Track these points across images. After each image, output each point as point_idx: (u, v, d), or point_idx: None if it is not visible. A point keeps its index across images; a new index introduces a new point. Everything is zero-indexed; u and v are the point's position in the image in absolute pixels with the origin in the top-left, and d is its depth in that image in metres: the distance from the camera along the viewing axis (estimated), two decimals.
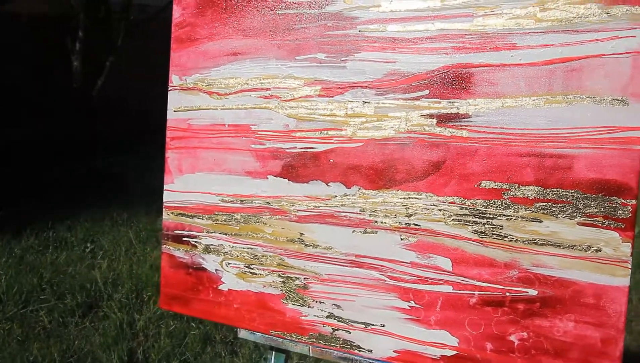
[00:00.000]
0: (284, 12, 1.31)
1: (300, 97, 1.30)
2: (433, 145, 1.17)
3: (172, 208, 1.48)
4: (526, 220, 1.10)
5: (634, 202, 1.02)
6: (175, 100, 1.47)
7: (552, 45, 1.07)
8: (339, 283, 1.28)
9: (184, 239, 1.47)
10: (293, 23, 1.30)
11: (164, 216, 1.49)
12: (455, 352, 1.17)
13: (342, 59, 1.25)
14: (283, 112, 1.32)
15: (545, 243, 1.09)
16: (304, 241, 1.31)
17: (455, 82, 1.15)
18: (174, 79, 1.47)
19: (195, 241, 1.45)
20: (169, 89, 1.47)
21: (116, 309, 3.01)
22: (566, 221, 1.07)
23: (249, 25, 1.36)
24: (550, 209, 1.08)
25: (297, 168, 1.31)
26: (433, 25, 1.16)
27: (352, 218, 1.25)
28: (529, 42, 1.08)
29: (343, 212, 1.26)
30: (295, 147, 1.31)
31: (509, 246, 1.11)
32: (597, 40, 1.03)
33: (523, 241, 1.10)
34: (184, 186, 1.46)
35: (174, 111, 1.47)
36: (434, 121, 1.16)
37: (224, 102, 1.39)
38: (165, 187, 1.49)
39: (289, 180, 1.32)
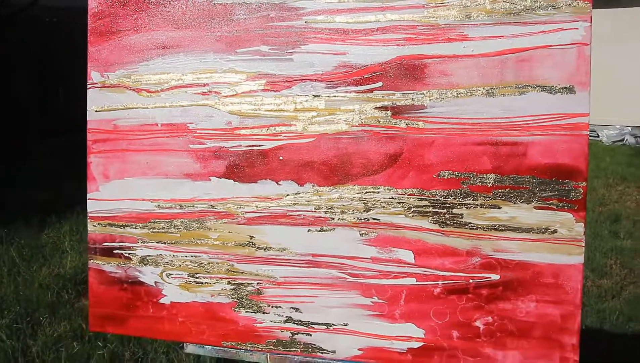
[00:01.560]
0: (221, 2, 1.21)
1: (243, 93, 1.21)
2: (389, 137, 1.14)
3: (99, 219, 1.32)
4: (485, 207, 1.11)
5: (584, 184, 1.07)
6: (96, 99, 1.30)
7: (503, 36, 1.08)
8: (296, 285, 1.21)
9: (115, 251, 1.31)
10: (231, 14, 1.21)
11: (89, 228, 1.32)
12: (422, 343, 1.15)
13: (288, 51, 1.18)
14: (224, 109, 1.22)
15: (505, 228, 1.11)
16: (254, 244, 1.23)
17: (409, 73, 1.13)
18: (93, 76, 1.30)
19: (129, 253, 1.30)
20: (88, 86, 1.31)
21: (4, 336, 2.67)
22: (524, 206, 1.09)
23: (181, 16, 1.24)
24: (508, 195, 1.10)
25: (243, 168, 1.22)
26: (384, 16, 1.13)
27: (307, 217, 1.19)
28: (480, 34, 1.09)
29: (297, 211, 1.20)
30: (240, 145, 1.22)
31: (470, 234, 1.12)
32: (544, 32, 1.06)
33: (483, 228, 1.11)
34: (112, 193, 1.30)
35: (96, 111, 1.30)
36: (389, 113, 1.14)
37: (155, 100, 1.26)
38: (89, 196, 1.32)
39: (234, 181, 1.23)
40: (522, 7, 1.06)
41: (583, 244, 1.08)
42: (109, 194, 1.30)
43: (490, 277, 1.12)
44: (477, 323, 1.13)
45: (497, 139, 1.09)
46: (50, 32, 8.14)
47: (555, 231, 1.08)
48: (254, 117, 1.20)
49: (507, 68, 1.08)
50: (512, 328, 1.11)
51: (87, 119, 1.31)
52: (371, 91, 1.14)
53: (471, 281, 1.13)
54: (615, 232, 4.17)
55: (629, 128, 7.92)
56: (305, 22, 1.17)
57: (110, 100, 1.29)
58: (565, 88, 1.05)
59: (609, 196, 5.21)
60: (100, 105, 1.30)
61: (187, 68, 1.24)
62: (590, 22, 1.04)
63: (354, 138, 1.16)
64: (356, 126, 1.15)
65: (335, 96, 1.16)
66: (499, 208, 1.10)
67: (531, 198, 1.09)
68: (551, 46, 1.06)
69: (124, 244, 1.31)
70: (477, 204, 1.11)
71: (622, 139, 7.94)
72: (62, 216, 4.54)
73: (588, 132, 1.06)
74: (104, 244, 1.32)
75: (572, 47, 1.05)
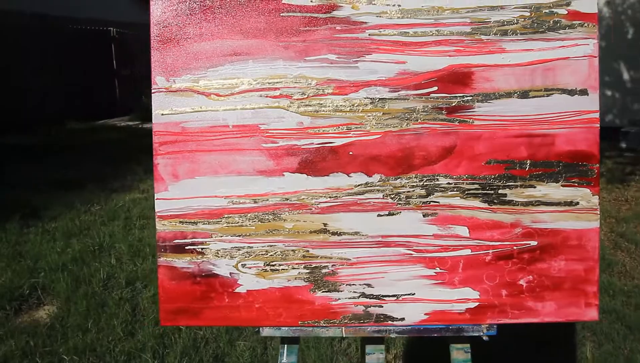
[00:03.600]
0: (289, 15, 1.33)
1: (313, 96, 1.33)
2: (445, 133, 1.34)
3: (169, 217, 1.34)
4: (524, 187, 1.35)
5: (597, 165, 1.35)
6: (161, 103, 1.33)
7: (532, 50, 1.33)
8: (367, 264, 1.35)
9: (186, 247, 1.35)
10: (299, 25, 1.33)
11: (158, 227, 1.34)
12: (478, 304, 1.36)
13: (354, 60, 1.33)
14: (296, 111, 1.33)
15: (540, 203, 1.35)
16: (328, 230, 1.35)
17: (459, 79, 1.33)
18: (158, 81, 1.33)
19: (202, 248, 1.35)
20: (153, 91, 1.33)
21: None
22: (553, 184, 1.35)
23: (249, 27, 1.32)
24: (541, 176, 1.34)
25: (315, 163, 1.34)
26: (437, 31, 1.33)
27: (376, 203, 1.34)
28: (515, 47, 1.33)
29: (366, 199, 1.34)
30: (312, 143, 1.33)
31: (513, 209, 1.35)
32: (564, 46, 1.32)
33: (523, 204, 1.35)
34: (182, 192, 1.34)
35: (162, 115, 1.34)
36: (444, 112, 1.33)
37: (226, 103, 1.33)
38: (156, 196, 1.34)
39: (307, 175, 1.34)
40: (547, 27, 1.32)
41: (598, 213, 1.36)
42: (179, 193, 1.34)
43: (529, 243, 1.35)
44: (521, 282, 1.36)
45: (531, 132, 1.33)
46: None
47: (577, 204, 1.35)
48: (325, 118, 1.33)
49: (536, 75, 1.33)
50: (548, 283, 1.36)
51: (153, 122, 1.34)
52: (428, 94, 1.33)
53: (515, 248, 1.35)
54: None
55: None
56: (369, 34, 1.33)
57: (177, 104, 1.33)
58: (581, 91, 1.33)
59: None
60: (167, 109, 1.33)
61: (257, 74, 1.33)
62: (597, 40, 1.33)
63: (415, 134, 1.33)
64: (417, 123, 1.33)
65: (397, 99, 1.33)
66: (535, 187, 1.34)
67: (559, 178, 1.34)
68: (569, 57, 1.32)
69: (196, 240, 1.35)
70: (517, 185, 1.34)
71: None
72: None
73: (598, 125, 1.35)
74: (174, 241, 1.35)
75: (585, 59, 1.32)
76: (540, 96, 1.33)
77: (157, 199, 1.34)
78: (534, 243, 1.35)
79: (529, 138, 1.34)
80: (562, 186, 1.34)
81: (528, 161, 1.34)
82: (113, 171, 6.71)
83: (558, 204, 1.35)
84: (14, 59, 10.50)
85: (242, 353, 2.78)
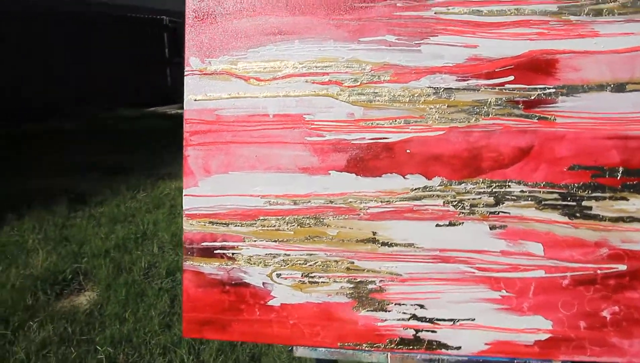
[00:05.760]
0: None
1: (367, 83, 1.13)
2: (520, 131, 1.11)
3: (198, 216, 1.17)
4: (614, 199, 1.11)
5: None
6: (195, 87, 1.16)
7: (633, 33, 1.10)
8: (421, 281, 1.15)
9: (216, 252, 1.18)
10: (354, 1, 1.13)
11: (185, 227, 1.18)
12: (550, 335, 1.13)
13: (416, 42, 1.12)
14: (346, 100, 1.14)
15: (633, 219, 1.11)
16: (378, 240, 1.15)
17: (540, 68, 1.10)
18: (192, 62, 1.16)
19: (234, 253, 1.17)
20: (186, 73, 1.16)
21: None
22: None
23: (296, 1, 1.14)
24: (636, 187, 1.11)
25: (366, 161, 1.14)
26: (516, 10, 1.11)
27: (435, 211, 1.14)
28: (611, 30, 1.09)
29: (424, 205, 1.14)
30: (364, 138, 1.14)
31: (599, 225, 1.12)
32: None
33: (611, 220, 1.11)
34: (214, 189, 1.17)
35: (195, 100, 1.17)
36: (521, 107, 1.11)
37: (267, 89, 1.15)
38: (185, 191, 1.17)
39: (356, 175, 1.15)
40: None
41: None
42: (211, 189, 1.16)
43: (617, 267, 1.12)
44: (604, 313, 1.13)
45: (626, 133, 1.09)
46: None
47: None
48: (379, 109, 1.13)
49: (637, 65, 1.09)
50: (638, 316, 1.12)
51: (185, 108, 1.17)
52: (502, 84, 1.11)
53: (599, 272, 1.12)
54: None
55: None
56: (435, 12, 1.12)
57: (212, 88, 1.16)
58: None
59: None
60: (200, 93, 1.16)
61: (304, 56, 1.14)
62: None
63: (484, 131, 1.12)
64: (487, 119, 1.11)
65: (465, 89, 1.12)
66: (627, 200, 1.11)
67: None
68: None
69: (227, 243, 1.17)
70: (606, 197, 1.11)
71: None
72: (21, 213, 4.15)
73: None
74: (202, 244, 1.18)
75: None
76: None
77: (185, 195, 1.17)
78: (622, 267, 1.12)
79: (623, 140, 1.09)
80: None
81: (621, 169, 1.10)
82: (160, 158, 6.68)
83: None
84: (80, 47, 10.77)
85: (279, 355, 2.62)
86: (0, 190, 4.85)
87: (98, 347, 2.54)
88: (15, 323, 2.62)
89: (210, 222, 1.17)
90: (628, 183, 1.10)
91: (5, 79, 9.08)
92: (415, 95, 1.11)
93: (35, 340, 2.46)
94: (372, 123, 1.12)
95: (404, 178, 1.13)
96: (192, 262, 1.18)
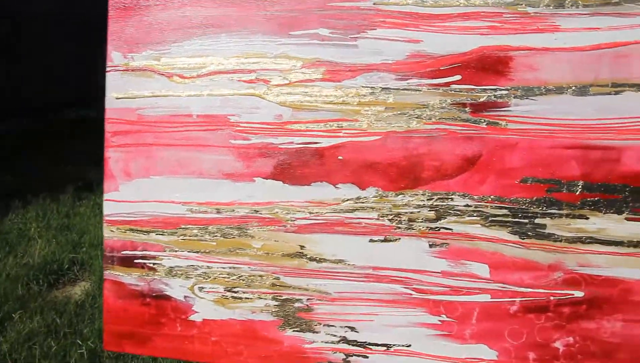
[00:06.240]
0: None
1: (297, 82, 1.02)
2: (467, 138, 0.98)
3: (117, 223, 1.09)
4: (571, 217, 0.97)
5: None
6: (117, 84, 1.07)
7: (599, 28, 0.95)
8: (352, 301, 1.04)
9: (136, 261, 1.10)
10: None
11: (105, 234, 1.10)
12: None
13: (352, 36, 1.00)
14: (274, 100, 1.03)
15: (592, 240, 0.97)
16: (305, 254, 1.04)
17: (492, 66, 0.96)
18: (114, 57, 1.07)
19: (154, 263, 1.09)
20: (108, 69, 1.07)
21: None
22: (614, 216, 0.96)
23: None
24: (597, 204, 0.96)
25: (294, 168, 1.03)
26: (465, 0, 0.98)
27: (369, 225, 1.02)
28: (575, 25, 0.95)
29: (357, 218, 1.02)
30: (292, 142, 1.03)
31: (553, 246, 0.98)
32: None
33: (568, 241, 0.97)
34: (135, 194, 1.08)
35: (117, 99, 1.08)
36: (468, 110, 0.98)
37: (191, 87, 1.05)
38: (105, 196, 1.09)
39: (283, 182, 1.04)
40: None
41: None
42: (132, 194, 1.08)
43: (573, 294, 0.98)
44: (557, 344, 0.99)
45: (588, 142, 0.95)
46: None
47: None
48: (310, 111, 1.01)
49: (602, 64, 0.94)
50: (594, 349, 0.98)
51: (106, 107, 1.09)
52: (448, 85, 0.98)
53: (552, 298, 0.98)
54: None
55: None
56: (374, 3, 1.00)
57: (134, 85, 1.06)
58: None
59: None
60: (122, 91, 1.07)
61: (230, 51, 1.03)
62: None
63: (426, 137, 0.99)
64: (429, 123, 0.99)
65: (406, 89, 0.99)
66: (587, 218, 0.96)
67: (623, 208, 0.95)
68: None
69: (147, 252, 1.09)
70: (563, 214, 0.97)
71: None
72: (27, 201, 4.19)
73: None
74: (123, 252, 1.10)
75: None
76: (605, 94, 0.94)
77: (105, 200, 1.09)
78: (579, 293, 0.97)
79: (584, 150, 0.95)
80: (627, 219, 0.95)
81: (580, 183, 0.96)
82: None
83: (619, 244, 0.95)
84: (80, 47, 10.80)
85: None
86: (5, 178, 4.90)
87: (79, 341, 2.51)
88: (4, 313, 2.63)
89: (130, 229, 1.08)
90: (588, 199, 0.95)
91: (5, 79, 9.12)
92: (350, 95, 1.00)
93: (24, 331, 2.46)
94: (301, 126, 1.01)
95: (335, 187, 1.01)
96: (112, 271, 1.09)
